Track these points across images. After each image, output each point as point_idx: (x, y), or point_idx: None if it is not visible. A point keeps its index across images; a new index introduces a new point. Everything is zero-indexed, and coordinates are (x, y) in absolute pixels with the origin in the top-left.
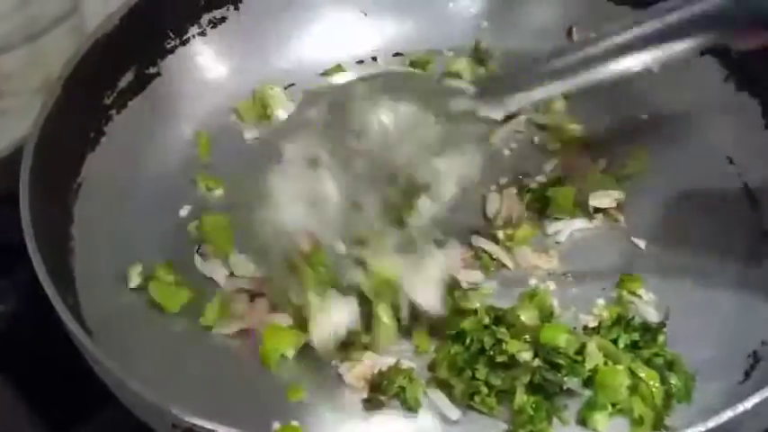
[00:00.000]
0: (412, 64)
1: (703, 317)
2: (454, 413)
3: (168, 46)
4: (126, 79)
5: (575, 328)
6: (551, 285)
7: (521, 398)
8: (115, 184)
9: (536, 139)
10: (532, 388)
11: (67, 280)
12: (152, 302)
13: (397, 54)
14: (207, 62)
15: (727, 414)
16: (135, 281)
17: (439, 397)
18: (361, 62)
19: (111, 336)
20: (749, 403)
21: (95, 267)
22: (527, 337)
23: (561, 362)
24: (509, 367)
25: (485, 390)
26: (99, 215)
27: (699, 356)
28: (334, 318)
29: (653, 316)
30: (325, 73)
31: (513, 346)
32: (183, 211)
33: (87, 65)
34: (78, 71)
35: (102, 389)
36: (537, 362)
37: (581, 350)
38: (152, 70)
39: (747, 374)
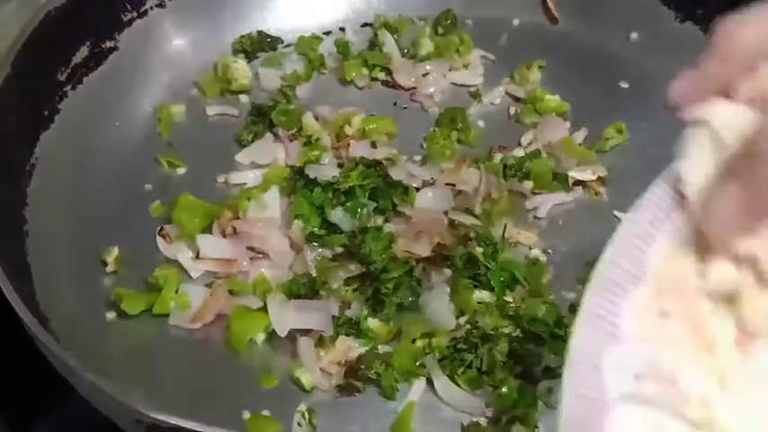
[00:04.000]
0: (383, 29)
1: None
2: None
3: (125, 18)
4: (81, 54)
5: (559, 305)
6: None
7: (500, 373)
8: (72, 164)
9: (512, 110)
10: (514, 361)
11: (21, 266)
12: (113, 288)
13: (365, 25)
14: (166, 34)
15: None
16: (111, 266)
17: (418, 384)
18: (328, 33)
19: (71, 326)
20: None
21: (52, 252)
22: (510, 312)
23: (541, 332)
24: (488, 340)
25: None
26: (55, 197)
27: None
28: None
29: None
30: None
31: (491, 321)
32: (144, 191)
33: (38, 40)
34: (29, 47)
35: (64, 383)
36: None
37: (561, 324)
38: (108, 44)
39: None
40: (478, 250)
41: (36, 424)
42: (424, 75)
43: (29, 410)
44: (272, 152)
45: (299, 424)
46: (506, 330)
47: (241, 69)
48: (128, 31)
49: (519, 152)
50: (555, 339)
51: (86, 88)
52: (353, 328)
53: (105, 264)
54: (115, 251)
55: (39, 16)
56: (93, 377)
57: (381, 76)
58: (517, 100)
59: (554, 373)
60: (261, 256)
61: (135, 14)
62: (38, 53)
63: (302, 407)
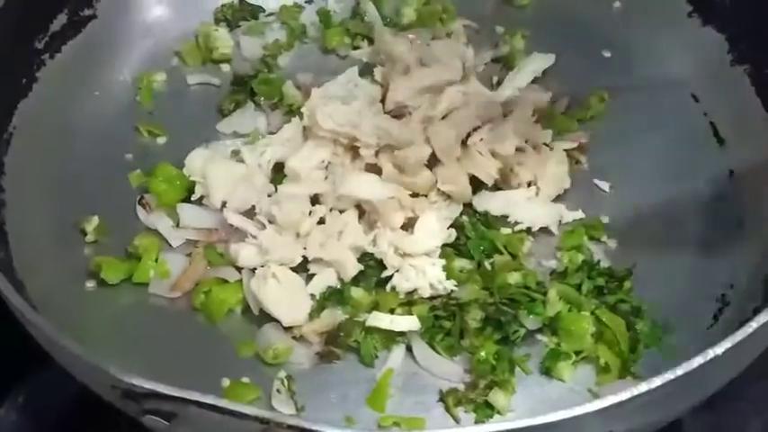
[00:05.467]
0: None
1: (670, 261)
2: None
3: None
4: (59, 22)
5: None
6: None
7: (477, 339)
8: (50, 133)
9: (495, 79)
10: (492, 327)
11: None
12: (93, 257)
13: None
14: (146, 2)
15: (698, 361)
16: (91, 235)
17: (397, 351)
18: (310, 1)
19: (49, 295)
20: (720, 349)
21: (30, 221)
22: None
23: (516, 296)
24: (464, 308)
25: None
26: (33, 166)
27: (666, 301)
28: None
29: (617, 262)
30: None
31: (464, 292)
32: (124, 161)
33: (15, 7)
34: (6, 14)
35: (40, 351)
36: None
37: (539, 288)
38: (87, 12)
39: (716, 318)
40: (464, 219)
41: (12, 391)
42: None
43: (5, 378)
44: (254, 121)
45: (278, 391)
46: (483, 297)
47: (222, 38)
48: None
49: None
50: (533, 302)
51: (65, 57)
52: (338, 296)
53: (85, 233)
54: (95, 220)
55: None
56: (69, 343)
57: (363, 44)
58: (501, 68)
59: (532, 339)
60: None
61: None
62: (15, 21)
63: (281, 374)
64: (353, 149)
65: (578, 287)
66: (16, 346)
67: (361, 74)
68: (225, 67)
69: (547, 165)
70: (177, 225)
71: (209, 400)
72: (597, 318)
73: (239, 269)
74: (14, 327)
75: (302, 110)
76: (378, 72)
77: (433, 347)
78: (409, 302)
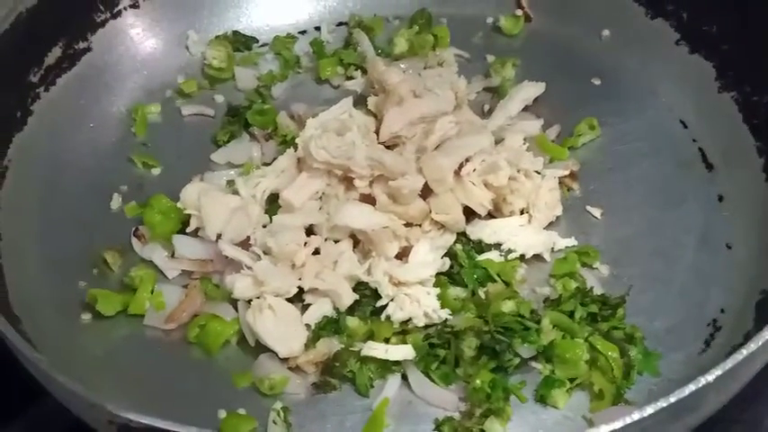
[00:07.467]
0: (357, 28)
1: (661, 286)
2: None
3: (98, 19)
4: (53, 55)
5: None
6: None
7: (471, 368)
8: (45, 166)
9: (486, 107)
10: (487, 356)
11: None
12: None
13: (340, 24)
14: (140, 35)
15: (690, 388)
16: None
17: (393, 380)
18: (303, 32)
19: (45, 328)
20: (711, 376)
21: (26, 254)
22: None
23: (510, 325)
24: (459, 336)
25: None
26: (28, 199)
27: (658, 327)
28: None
29: (609, 289)
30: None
31: (459, 320)
32: (119, 192)
33: (10, 41)
34: (0, 48)
35: (37, 385)
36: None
37: (533, 317)
38: (82, 45)
39: (708, 344)
40: (458, 247)
41: (8, 427)
42: None
43: (1, 413)
44: (248, 152)
45: (274, 422)
46: (478, 325)
47: (217, 56)
48: (101, 31)
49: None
50: (527, 330)
51: (59, 90)
52: (333, 326)
53: (108, 266)
54: (115, 254)
55: (10, 17)
56: (64, 378)
57: (357, 74)
58: (492, 96)
59: (527, 367)
60: None
61: (108, 15)
62: (9, 54)
63: (278, 405)
64: (348, 180)
65: (571, 314)
66: (12, 381)
67: (355, 104)
68: (219, 98)
69: (539, 192)
70: (172, 255)
71: None
72: (591, 345)
73: (235, 304)
74: (10, 361)
75: (296, 141)
76: (371, 102)
77: (428, 376)
78: (404, 331)
